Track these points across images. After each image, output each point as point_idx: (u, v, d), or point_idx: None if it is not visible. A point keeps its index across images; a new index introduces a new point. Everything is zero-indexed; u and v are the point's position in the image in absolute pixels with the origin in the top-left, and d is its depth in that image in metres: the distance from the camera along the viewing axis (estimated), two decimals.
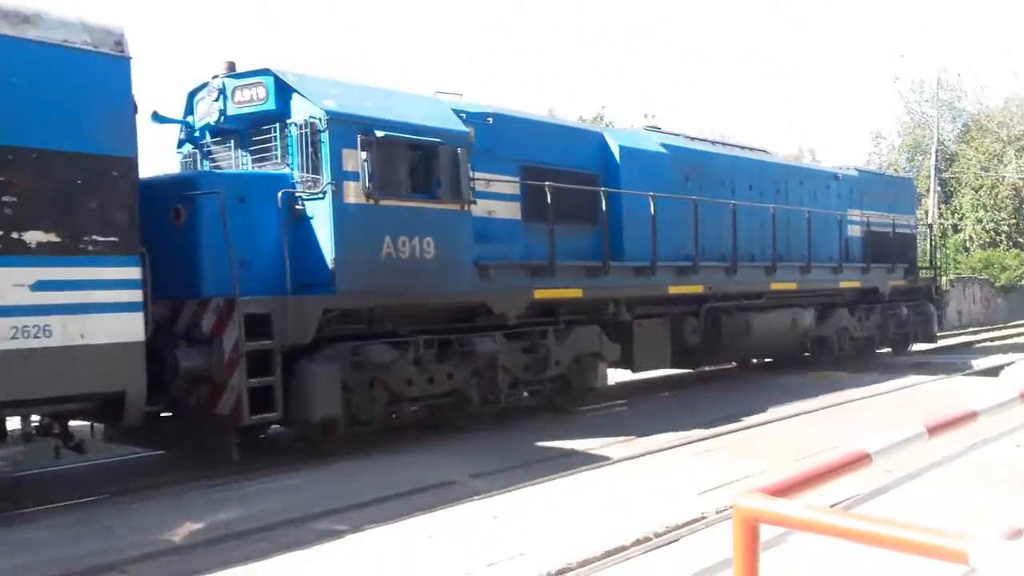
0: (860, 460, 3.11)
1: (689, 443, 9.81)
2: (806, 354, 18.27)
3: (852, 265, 18.80)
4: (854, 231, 19.13)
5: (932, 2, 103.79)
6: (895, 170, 44.25)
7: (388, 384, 10.09)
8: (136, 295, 7.80)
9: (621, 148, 13.46)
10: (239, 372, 8.53)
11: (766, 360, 18.36)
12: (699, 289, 14.42)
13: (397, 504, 7.38)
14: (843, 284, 18.37)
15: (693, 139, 16.35)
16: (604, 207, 12.61)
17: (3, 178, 6.95)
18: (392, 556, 5.94)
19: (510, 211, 11.77)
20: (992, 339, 27.11)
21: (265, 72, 9.85)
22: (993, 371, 17.36)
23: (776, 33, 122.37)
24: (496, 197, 11.50)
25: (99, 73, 7.65)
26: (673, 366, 15.22)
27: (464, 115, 11.10)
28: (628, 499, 7.30)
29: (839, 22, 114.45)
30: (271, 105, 9.79)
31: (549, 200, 11.62)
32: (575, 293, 12.22)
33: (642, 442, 10.02)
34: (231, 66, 10.04)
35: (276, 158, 9.90)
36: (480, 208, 11.02)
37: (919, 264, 21.66)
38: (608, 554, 5.81)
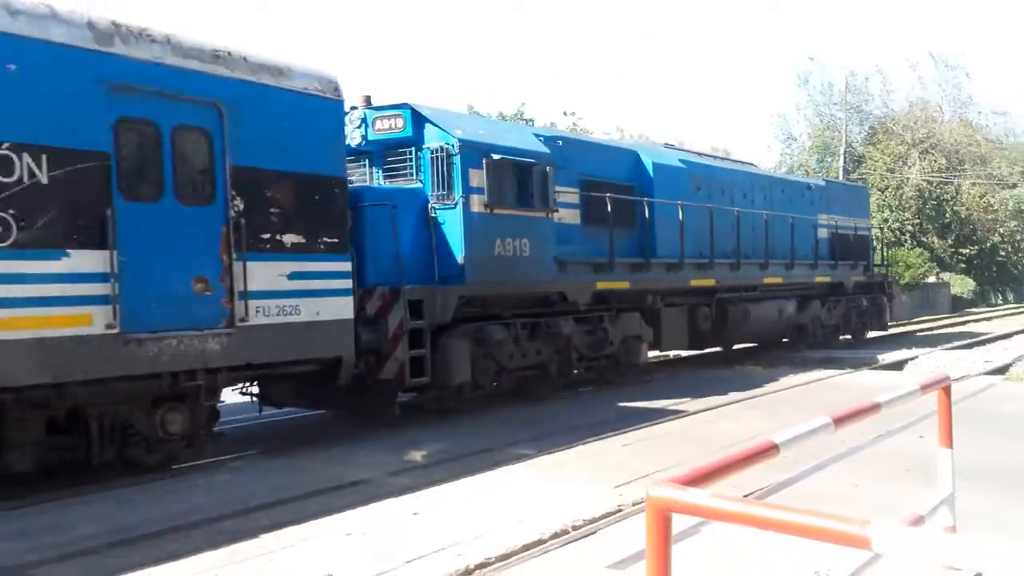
0: (769, 451, 3.18)
1: (610, 437, 9.91)
2: (784, 340, 20.76)
3: (824, 262, 21.55)
4: (823, 233, 21.75)
5: (841, 7, 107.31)
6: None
7: (497, 357, 12.37)
8: (348, 284, 10.02)
9: (653, 164, 16.00)
10: (402, 345, 10.76)
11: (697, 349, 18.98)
12: (712, 282, 17.16)
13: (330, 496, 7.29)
14: (817, 279, 21.20)
15: (700, 155, 19.84)
16: (646, 214, 15.39)
17: (271, 194, 9.14)
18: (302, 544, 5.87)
19: (572, 217, 14.05)
20: (911, 332, 28.35)
21: (404, 106, 12.06)
22: (897, 366, 18.06)
23: (693, 35, 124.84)
24: (564, 205, 13.65)
25: (325, 112, 9.91)
26: (689, 348, 18.12)
27: (542, 138, 13.75)
28: (548, 493, 7.35)
29: (754, 26, 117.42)
30: (408, 133, 11.99)
31: (609, 208, 14.14)
32: (624, 285, 14.80)
33: (563, 437, 10.08)
34: (368, 99, 12.31)
35: (410, 175, 12.07)
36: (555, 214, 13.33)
37: (874, 262, 24.88)
38: (527, 547, 5.83)
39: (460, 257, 11.66)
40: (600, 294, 14.22)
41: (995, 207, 50.07)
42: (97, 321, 7.68)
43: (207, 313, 8.62)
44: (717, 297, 17.51)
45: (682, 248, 15.85)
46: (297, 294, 9.38)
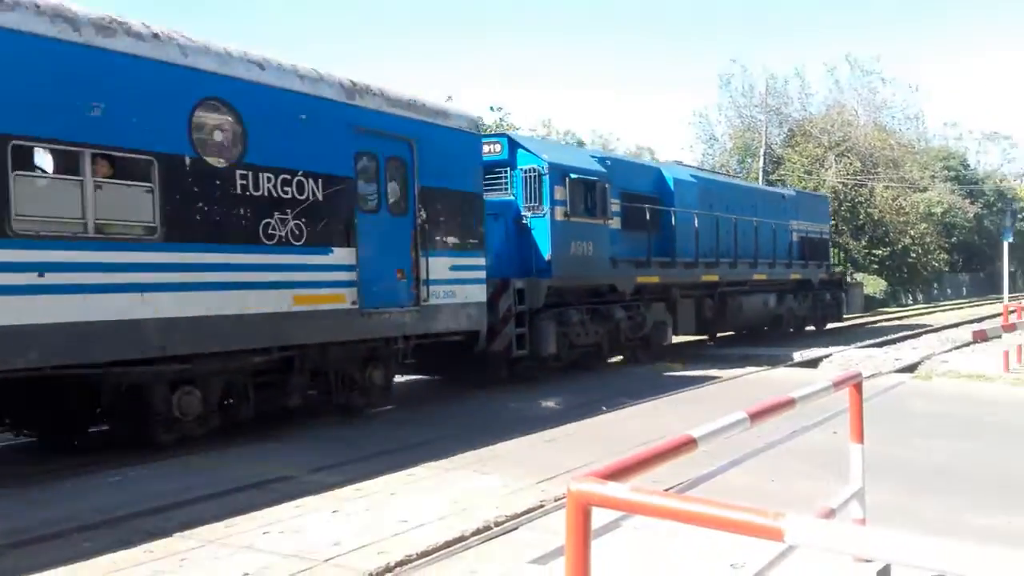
0: (687, 445, 3.23)
1: (534, 433, 9.95)
2: (764, 328, 24.32)
3: (796, 262, 25.42)
4: (795, 236, 25.55)
5: (762, 12, 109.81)
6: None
7: (569, 336, 15.50)
8: (484, 275, 13.21)
9: (674, 179, 19.48)
10: (510, 324, 13.93)
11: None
12: (716, 278, 20.53)
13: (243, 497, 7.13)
14: (792, 276, 24.96)
15: (701, 170, 24.70)
16: (672, 221, 18.88)
17: (440, 206, 12.25)
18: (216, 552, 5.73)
19: (616, 223, 17.20)
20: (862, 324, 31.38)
21: (503, 136, 15.98)
22: (813, 363, 18.57)
23: (619, 33, 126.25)
24: (611, 214, 16.91)
25: (471, 143, 13.25)
26: (696, 333, 21.48)
27: (596, 159, 17.22)
28: (470, 490, 7.34)
29: (678, 28, 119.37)
30: (504, 156, 15.04)
31: (648, 217, 17.81)
32: (656, 279, 18.22)
33: (485, 436, 10.08)
34: None
35: (505, 190, 15.09)
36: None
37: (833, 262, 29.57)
38: (449, 544, 5.81)
39: (548, 256, 14.94)
40: (639, 286, 17.59)
41: (906, 210, 51.85)
42: (347, 299, 10.84)
43: (404, 295, 11.83)
44: (719, 291, 20.97)
45: (697, 249, 19.63)
46: (455, 282, 12.63)
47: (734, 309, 21.46)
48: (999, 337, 15.95)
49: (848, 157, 50.98)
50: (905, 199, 52.92)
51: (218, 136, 9.66)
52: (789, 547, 3.76)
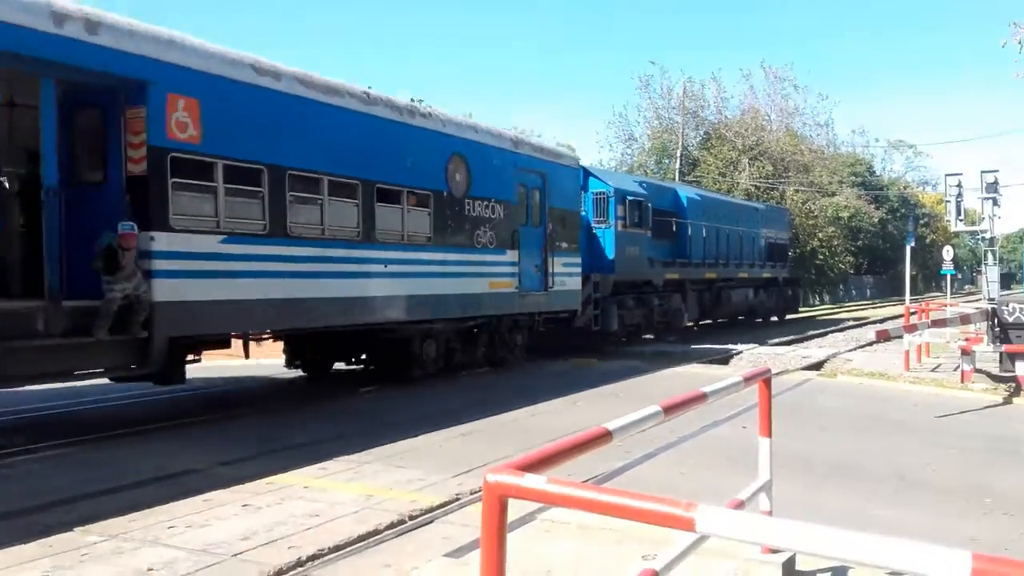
0: (603, 437, 3.25)
1: (446, 428, 9.91)
2: (740, 317, 30.85)
3: (767, 263, 31.94)
4: (764, 242, 31.81)
5: (681, 16, 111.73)
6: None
7: (624, 317, 21.12)
8: (580, 270, 18.62)
9: (687, 198, 25.96)
10: (590, 307, 19.35)
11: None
12: (714, 275, 26.98)
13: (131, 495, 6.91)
14: (764, 275, 31.75)
15: (704, 189, 34.00)
16: (688, 232, 25.11)
17: (558, 220, 17.64)
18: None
19: (650, 232, 22.52)
20: (809, 318, 36.10)
21: (580, 167, 20.22)
22: (724, 359, 19.01)
23: (540, 30, 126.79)
24: (650, 226, 22.48)
25: (574, 174, 18.89)
26: (699, 319, 27.53)
27: (638, 183, 23.66)
28: (386, 484, 7.27)
29: (601, 28, 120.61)
30: (580, 181, 19.81)
31: (675, 228, 24.43)
32: (677, 276, 24.19)
33: (402, 430, 10.01)
34: None
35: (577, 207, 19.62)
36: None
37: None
38: (362, 538, 5.74)
39: (612, 257, 20.56)
40: (666, 281, 23.52)
41: (815, 213, 53.44)
42: (513, 285, 16.27)
43: (539, 283, 17.20)
44: (715, 286, 27.29)
45: (703, 253, 26.05)
46: (565, 275, 18.03)
47: (725, 300, 27.87)
48: (900, 337, 16.58)
49: (761, 161, 52.27)
50: (814, 203, 54.56)
51: (458, 177, 14.85)
52: (700, 538, 3.83)
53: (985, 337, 15.19)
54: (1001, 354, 14.78)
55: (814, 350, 21.23)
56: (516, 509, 5.72)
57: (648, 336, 23.45)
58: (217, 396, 13.41)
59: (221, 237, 10.32)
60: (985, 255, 16.80)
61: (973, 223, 18.23)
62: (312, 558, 5.36)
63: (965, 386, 14.04)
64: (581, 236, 19.04)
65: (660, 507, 2.42)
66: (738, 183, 49.20)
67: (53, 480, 7.40)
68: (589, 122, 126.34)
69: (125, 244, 8.96)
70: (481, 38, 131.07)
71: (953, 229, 17.63)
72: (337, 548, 5.54)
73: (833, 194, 58.83)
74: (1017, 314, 14.32)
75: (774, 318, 33.16)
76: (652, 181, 28.22)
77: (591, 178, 20.79)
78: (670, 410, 3.80)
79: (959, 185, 15.83)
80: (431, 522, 6.18)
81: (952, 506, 7.05)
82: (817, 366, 17.44)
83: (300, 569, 5.21)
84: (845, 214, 56.20)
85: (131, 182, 9.47)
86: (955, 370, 15.47)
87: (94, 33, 8.83)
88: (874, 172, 72.05)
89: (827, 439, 9.70)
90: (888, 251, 66.67)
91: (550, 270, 17.40)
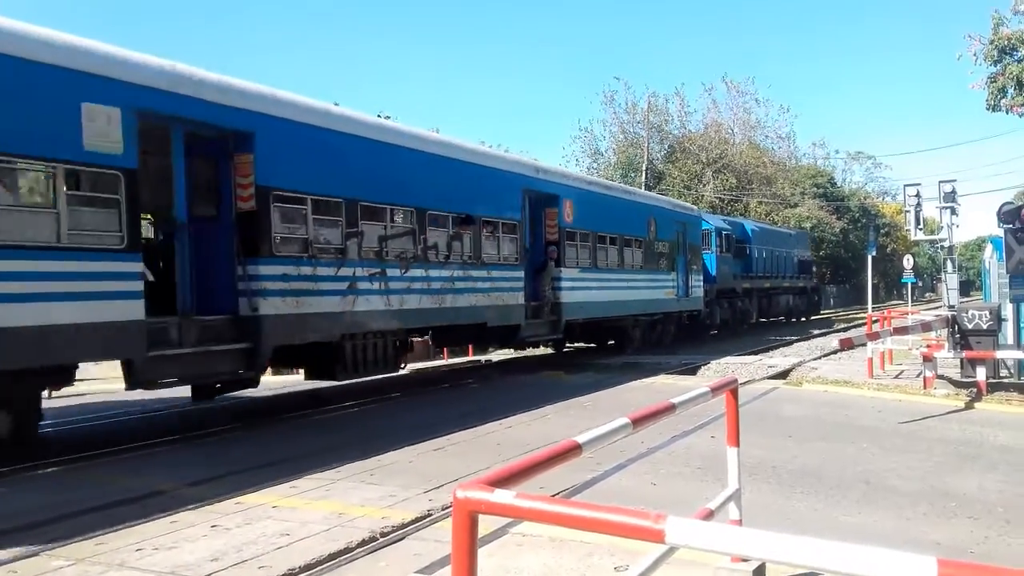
0: (572, 450, 3.27)
1: (419, 443, 9.88)
2: (781, 318, 40.58)
3: (799, 275, 42.47)
4: (796, 259, 42.36)
5: (644, 32, 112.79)
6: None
7: (723, 315, 31.57)
8: (702, 283, 29.08)
9: (752, 229, 36.31)
10: (711, 308, 30.40)
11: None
12: (768, 285, 37.00)
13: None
14: (798, 284, 42.40)
15: (759, 222, 43.49)
16: (755, 254, 35.33)
17: (694, 251, 28.43)
18: None
19: (731, 254, 32.54)
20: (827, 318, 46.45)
21: (700, 215, 31.16)
22: (692, 370, 19.13)
23: (507, 48, 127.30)
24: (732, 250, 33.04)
25: (697, 220, 29.60)
26: (758, 319, 36.64)
27: (723, 219, 34.67)
28: (356, 501, 7.23)
29: (565, 43, 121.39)
30: (701, 225, 30.03)
31: (748, 252, 34.47)
32: (748, 285, 34.52)
33: (374, 445, 9.96)
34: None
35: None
36: None
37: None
38: (333, 556, 5.70)
39: (714, 273, 30.22)
40: (742, 289, 33.32)
41: (779, 224, 54.21)
42: (675, 294, 26.34)
43: (685, 292, 26.97)
44: (768, 293, 37.18)
45: (762, 269, 36.26)
46: (695, 286, 27.99)
47: (774, 303, 38.16)
48: (864, 345, 16.81)
49: (725, 174, 52.90)
50: (777, 214, 55.29)
51: (651, 229, 24.56)
52: (670, 549, 3.86)
53: (946, 343, 15.45)
54: (962, 360, 15.05)
55: (779, 359, 21.44)
56: (488, 523, 5.72)
57: (744, 325, 34.50)
58: (189, 414, 13.25)
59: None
60: (944, 263, 17.08)
61: (932, 232, 18.54)
62: None
63: (927, 392, 14.26)
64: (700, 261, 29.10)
65: (629, 520, 2.44)
66: (703, 196, 49.70)
67: (20, 503, 7.27)
68: (555, 136, 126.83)
69: None
70: (447, 55, 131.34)
71: (913, 238, 17.92)
72: (308, 567, 5.50)
73: (795, 205, 59.66)
74: (976, 321, 14.59)
75: (803, 319, 43.42)
76: (731, 218, 38.80)
77: (700, 219, 30.44)
78: (639, 422, 3.83)
79: (918, 195, 16.08)
80: (403, 539, 6.15)
81: (917, 510, 7.14)
82: (783, 375, 17.62)
83: None
84: (807, 225, 56.95)
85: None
86: (917, 376, 15.70)
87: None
88: (835, 183, 73.16)
89: (794, 447, 9.80)
90: (850, 260, 67.63)
91: (689, 284, 27.42)
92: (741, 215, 51.63)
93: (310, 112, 12.75)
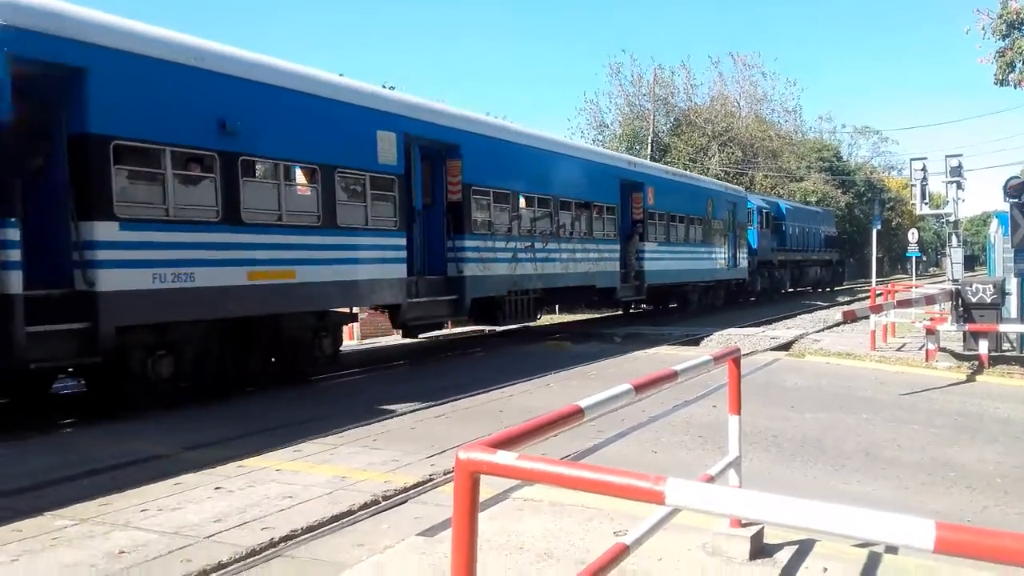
0: (575, 415, 3.27)
1: (424, 409, 9.94)
2: (810, 288, 44.71)
3: (825, 249, 46.87)
4: (823, 235, 46.56)
5: (650, 4, 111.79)
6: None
7: (761, 283, 36.35)
8: (747, 255, 33.09)
9: (785, 208, 40.20)
10: (753, 277, 34.94)
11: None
12: (800, 258, 41.73)
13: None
14: (824, 258, 46.51)
15: (792, 202, 46.82)
16: (789, 231, 39.83)
17: (738, 229, 32.38)
18: None
19: (769, 230, 37.07)
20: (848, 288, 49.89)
21: (746, 195, 35.57)
22: (695, 341, 19.16)
23: (514, 21, 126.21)
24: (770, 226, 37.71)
25: (744, 200, 34.14)
26: (790, 287, 40.98)
27: (762, 199, 38.25)
28: (359, 465, 7.28)
29: (571, 15, 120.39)
30: (747, 204, 34.45)
31: (784, 228, 39.44)
32: (783, 257, 38.93)
33: (377, 412, 10.01)
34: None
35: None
36: None
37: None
38: (336, 518, 5.76)
39: (755, 246, 34.20)
40: (777, 260, 37.35)
41: (784, 198, 54.03)
42: (726, 264, 30.62)
43: (734, 263, 31.29)
44: (800, 264, 41.50)
45: (794, 243, 40.16)
46: (742, 258, 32.29)
47: (804, 274, 42.54)
48: (867, 317, 16.80)
49: (730, 147, 52.58)
50: (783, 188, 55.02)
51: (708, 208, 28.85)
52: (670, 512, 3.88)
53: (949, 317, 15.43)
54: (965, 333, 15.04)
55: (782, 331, 21.44)
56: (490, 488, 5.77)
57: (787, 291, 40.55)
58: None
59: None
60: (949, 237, 17.03)
61: (938, 206, 18.49)
62: (285, 539, 5.37)
63: (930, 365, 14.28)
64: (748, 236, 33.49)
65: (630, 481, 2.45)
66: (708, 168, 49.47)
67: (23, 465, 7.33)
68: (560, 108, 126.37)
69: None
70: (451, 26, 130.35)
71: (918, 212, 17.82)
72: (310, 529, 5.55)
73: (801, 179, 59.33)
74: (980, 294, 14.56)
75: (827, 288, 47.21)
76: (769, 197, 42.19)
77: (748, 200, 34.46)
78: (641, 388, 3.83)
79: (924, 169, 15.99)
80: (404, 502, 6.21)
81: (916, 480, 7.18)
82: (786, 347, 17.64)
83: (273, 550, 5.22)
84: (813, 198, 56.70)
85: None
86: (920, 349, 15.72)
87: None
88: (841, 157, 72.67)
89: (795, 417, 9.84)
90: (855, 234, 67.38)
91: (737, 256, 31.52)
92: (747, 189, 51.53)
93: (493, 128, 17.93)
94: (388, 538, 5.40)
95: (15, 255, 8.48)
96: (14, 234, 8.52)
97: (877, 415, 10.08)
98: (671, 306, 28.03)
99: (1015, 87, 21.97)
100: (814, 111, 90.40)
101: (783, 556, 4.80)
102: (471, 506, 2.62)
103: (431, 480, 6.72)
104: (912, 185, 16.69)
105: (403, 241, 14.06)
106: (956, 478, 7.26)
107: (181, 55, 10.46)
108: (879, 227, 39.28)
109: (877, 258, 43.15)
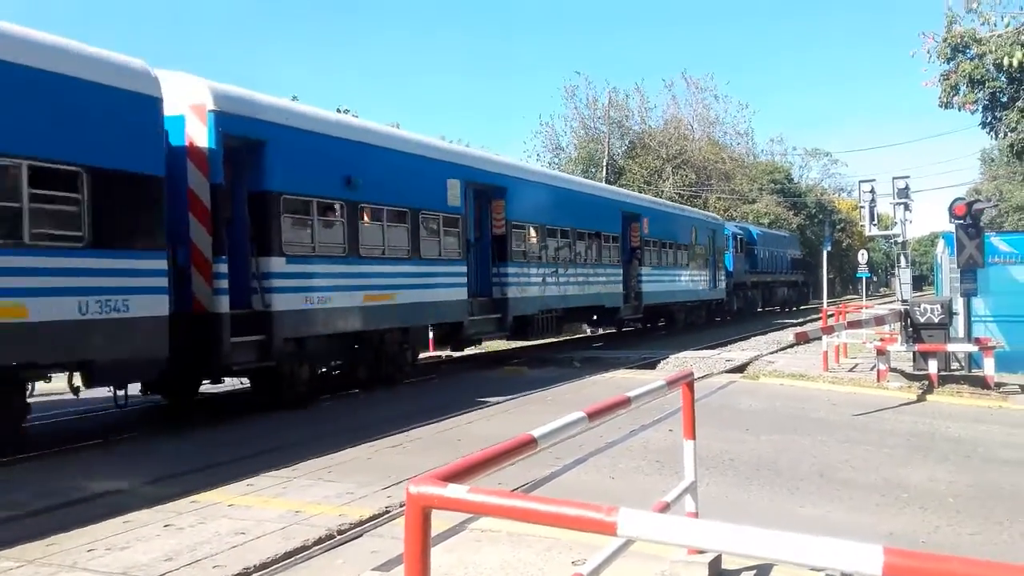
0: (527, 444, 3.25)
1: (377, 439, 9.82)
2: (778, 307, 47.94)
3: (792, 271, 50.37)
4: (789, 257, 50.27)
5: (604, 28, 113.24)
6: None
7: (737, 303, 39.62)
8: (725, 277, 36.98)
9: (756, 233, 43.76)
10: (730, 297, 38.54)
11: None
12: (770, 279, 45.59)
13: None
14: (792, 279, 50.36)
15: (765, 228, 49.92)
16: (758, 254, 42.88)
17: (717, 254, 35.91)
18: None
19: (743, 253, 40.65)
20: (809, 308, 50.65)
21: (725, 223, 40.34)
22: (651, 364, 19.26)
23: (465, 42, 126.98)
24: (743, 250, 41.11)
25: (722, 226, 38.28)
26: (762, 307, 44.75)
27: (736, 226, 41.76)
28: (314, 498, 7.17)
29: (527, 38, 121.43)
30: (725, 231, 38.47)
31: (753, 251, 42.31)
32: (755, 279, 42.54)
33: (331, 443, 9.87)
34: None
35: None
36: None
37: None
38: (289, 555, 5.65)
39: (731, 269, 37.34)
40: (749, 282, 40.96)
41: (737, 220, 54.80)
42: (708, 286, 34.40)
43: (713, 285, 34.64)
44: (769, 286, 44.96)
45: (765, 266, 43.43)
46: (721, 279, 36.01)
47: (774, 294, 45.98)
48: (819, 338, 17.03)
49: (684, 169, 53.27)
50: (736, 209, 55.82)
51: (692, 236, 32.25)
52: (626, 542, 3.87)
53: (899, 337, 15.71)
54: (914, 353, 15.32)
55: (737, 353, 21.65)
56: (446, 519, 5.70)
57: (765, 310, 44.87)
58: (145, 412, 13.03)
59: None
60: (898, 258, 17.34)
61: (886, 227, 18.81)
62: None
63: (881, 385, 14.50)
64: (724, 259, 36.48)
65: (582, 512, 2.43)
66: (662, 191, 50.01)
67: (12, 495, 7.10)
68: (515, 132, 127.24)
69: None
70: (409, 54, 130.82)
71: (868, 233, 18.13)
72: (264, 566, 5.44)
73: (753, 201, 60.27)
74: (928, 314, 14.86)
75: (793, 308, 50.27)
76: (742, 223, 46.03)
77: (726, 227, 38.00)
78: (595, 415, 3.83)
79: (872, 191, 16.30)
80: (360, 536, 6.11)
81: (870, 501, 7.26)
82: (740, 369, 17.79)
83: None
84: (765, 220, 57.59)
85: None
86: (871, 369, 15.95)
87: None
88: (792, 179, 74.03)
89: (751, 440, 9.90)
90: (807, 256, 68.55)
91: (717, 278, 34.77)
92: (701, 210, 52.20)
93: (529, 172, 22.22)
94: (343, 574, 5.31)
95: (224, 284, 11.47)
96: (224, 268, 11.51)
97: (831, 436, 10.19)
98: (660, 323, 31.48)
99: (959, 109, 22.55)
100: (766, 134, 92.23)
101: None
102: (423, 541, 2.58)
103: (387, 512, 6.63)
104: (861, 207, 16.98)
105: (464, 268, 17.24)
106: (908, 499, 7.35)
107: (321, 126, 13.66)
108: (830, 248, 40.01)
109: (828, 279, 43.98)
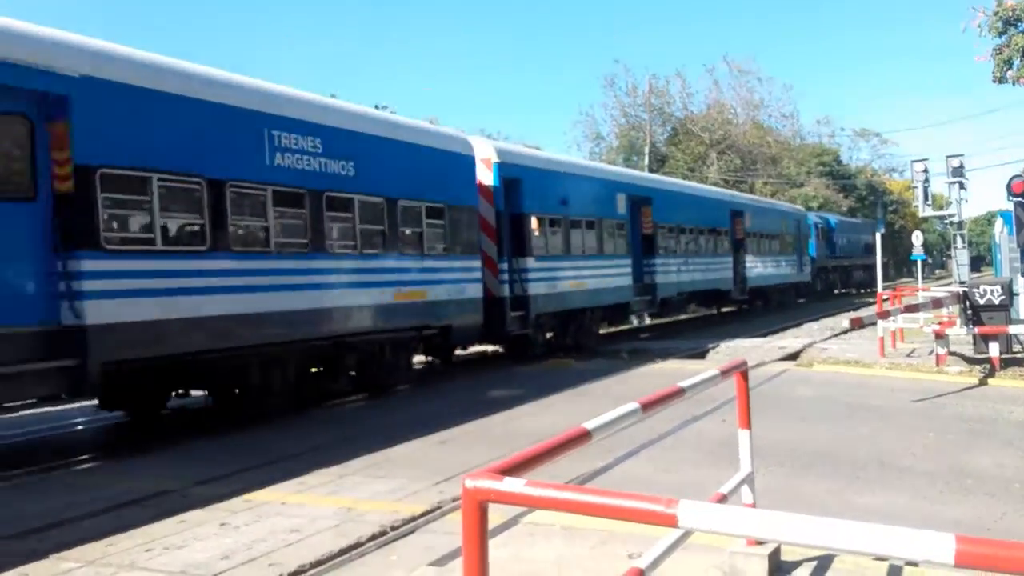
0: (581, 437, 3.20)
1: (426, 435, 9.83)
2: (852, 289, 50.13)
3: (867, 256, 47.93)
4: (864, 243, 49.61)
5: (643, 15, 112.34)
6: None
7: (819, 285, 44.02)
8: (811, 262, 41.91)
9: (834, 220, 48.22)
10: (813, 280, 43.21)
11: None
12: (847, 264, 49.48)
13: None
14: (867, 262, 47.51)
15: (821, 213, 51.70)
16: (836, 240, 47.09)
17: (801, 241, 40.85)
18: None
19: (824, 240, 45.59)
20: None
21: (808, 213, 45.05)
22: (701, 354, 19.05)
23: (506, 33, 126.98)
24: (822, 236, 45.92)
25: (805, 216, 43.48)
26: (840, 288, 48.75)
27: (816, 214, 46.88)
28: (365, 496, 7.19)
29: (564, 27, 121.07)
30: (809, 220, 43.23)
31: (832, 238, 46.67)
32: (834, 263, 47.46)
33: (380, 439, 9.91)
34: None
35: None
36: None
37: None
38: (344, 552, 5.66)
39: (814, 254, 42.15)
40: (827, 264, 45.35)
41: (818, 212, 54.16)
42: (795, 270, 39.03)
43: (800, 269, 39.61)
44: (847, 269, 49.00)
45: (842, 251, 47.46)
46: (807, 263, 40.94)
47: (850, 277, 49.00)
48: (874, 324, 16.69)
49: (729, 154, 52.63)
50: (784, 194, 55.02)
51: (784, 226, 37.46)
52: (684, 534, 3.80)
53: (958, 320, 15.33)
54: (974, 336, 14.93)
55: (790, 340, 21.32)
56: (500, 513, 5.68)
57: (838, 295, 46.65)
58: (189, 414, 13.22)
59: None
60: (954, 239, 16.98)
61: (941, 208, 18.45)
62: (294, 574, 5.27)
63: (940, 370, 14.16)
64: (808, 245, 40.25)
65: (641, 504, 2.38)
66: (707, 177, 49.48)
67: (26, 507, 7.24)
68: (556, 122, 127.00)
69: None
70: (448, 45, 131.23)
71: (922, 214, 17.82)
72: (319, 563, 5.46)
73: (802, 185, 59.36)
74: (988, 296, 14.47)
75: (869, 289, 50.17)
76: (822, 213, 49.24)
77: (809, 214, 42.41)
78: (648, 407, 3.76)
79: (925, 171, 16.00)
80: (413, 532, 6.11)
81: (933, 489, 7.07)
82: (793, 356, 17.51)
83: None
84: (815, 204, 56.75)
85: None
86: (930, 354, 15.58)
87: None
88: (841, 161, 72.68)
89: (807, 428, 9.73)
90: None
91: (803, 263, 39.07)
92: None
93: (669, 183, 28.35)
94: (398, 570, 5.30)
95: (505, 277, 17.09)
96: (504, 266, 17.11)
97: (889, 423, 9.98)
98: (756, 303, 34.81)
99: (1013, 84, 21.91)
100: (812, 116, 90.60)
101: (801, 574, 4.70)
102: (481, 535, 2.55)
103: (439, 508, 6.62)
104: (914, 187, 16.67)
105: (630, 261, 22.25)
106: (973, 485, 7.15)
107: (547, 164, 19.77)
108: (883, 230, 39.26)
109: (882, 262, 43.18)
